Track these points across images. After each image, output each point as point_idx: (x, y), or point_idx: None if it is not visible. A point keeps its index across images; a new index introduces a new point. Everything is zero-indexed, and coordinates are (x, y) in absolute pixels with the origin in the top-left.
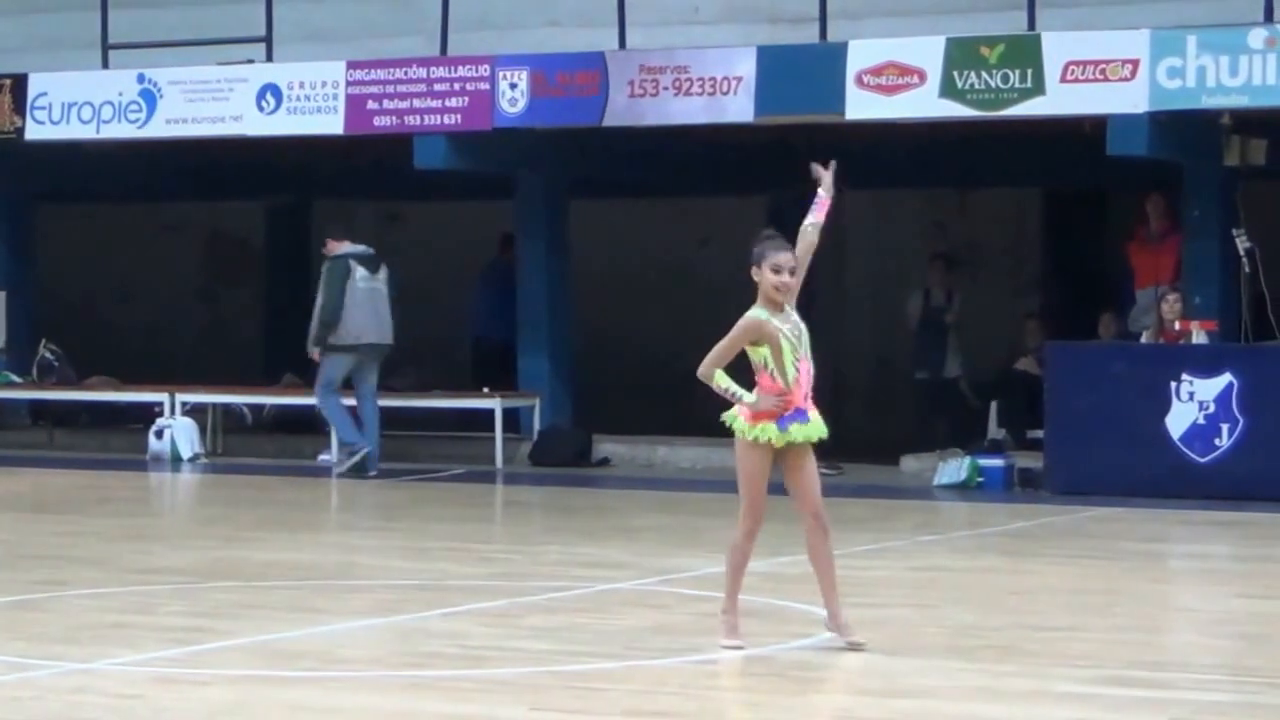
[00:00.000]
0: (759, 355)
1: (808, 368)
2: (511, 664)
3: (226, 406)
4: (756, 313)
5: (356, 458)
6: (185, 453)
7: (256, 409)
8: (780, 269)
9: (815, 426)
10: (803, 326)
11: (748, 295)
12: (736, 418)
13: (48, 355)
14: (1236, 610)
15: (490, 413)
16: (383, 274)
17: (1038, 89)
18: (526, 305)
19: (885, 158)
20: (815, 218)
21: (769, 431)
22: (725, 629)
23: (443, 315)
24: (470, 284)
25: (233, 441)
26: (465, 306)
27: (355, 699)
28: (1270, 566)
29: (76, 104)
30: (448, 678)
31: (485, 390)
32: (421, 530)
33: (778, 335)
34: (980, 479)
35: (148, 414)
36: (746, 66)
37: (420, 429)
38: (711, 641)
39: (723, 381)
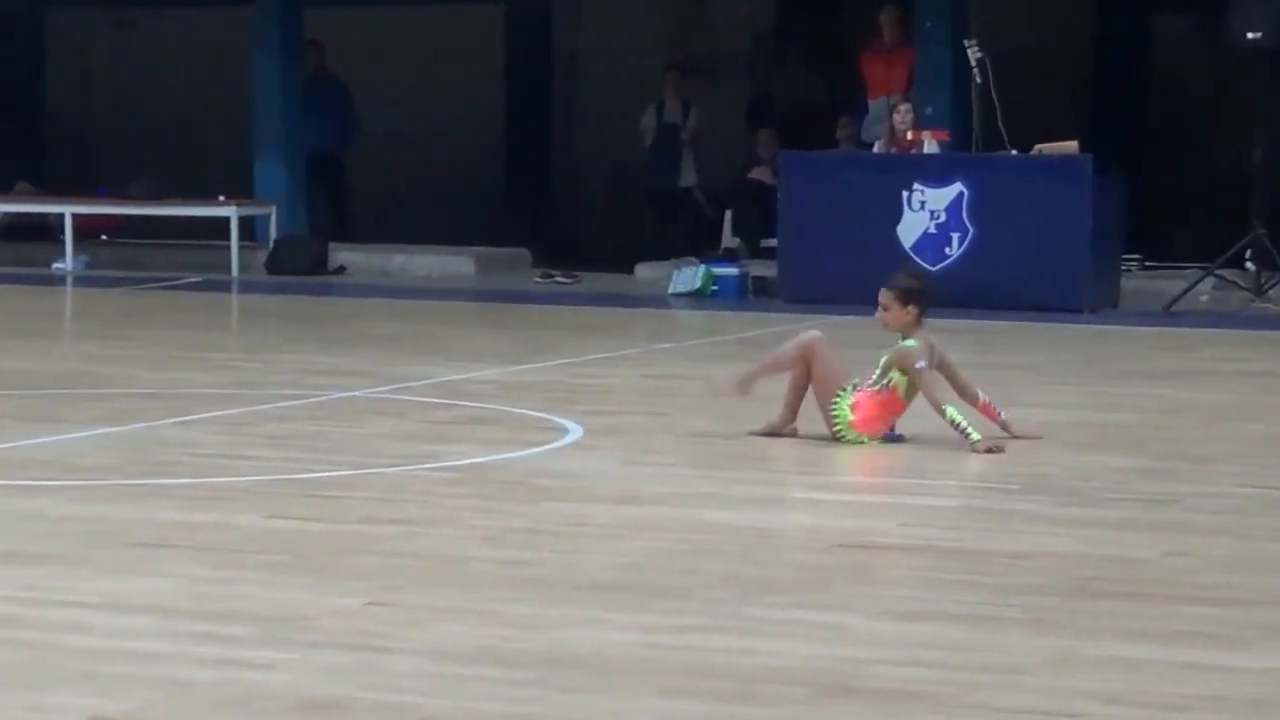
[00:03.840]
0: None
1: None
2: (248, 472)
3: None
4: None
5: None
6: None
7: None
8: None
9: None
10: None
11: (482, 104)
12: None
13: None
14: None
15: (226, 220)
16: None
17: None
18: (262, 113)
19: None
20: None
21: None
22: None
23: (178, 121)
24: (206, 90)
25: None
26: (201, 112)
27: (90, 508)
28: (998, 373)
29: None
30: (183, 486)
31: (221, 198)
32: (157, 338)
33: None
34: (715, 287)
35: None
36: None
37: (156, 237)
38: (446, 449)
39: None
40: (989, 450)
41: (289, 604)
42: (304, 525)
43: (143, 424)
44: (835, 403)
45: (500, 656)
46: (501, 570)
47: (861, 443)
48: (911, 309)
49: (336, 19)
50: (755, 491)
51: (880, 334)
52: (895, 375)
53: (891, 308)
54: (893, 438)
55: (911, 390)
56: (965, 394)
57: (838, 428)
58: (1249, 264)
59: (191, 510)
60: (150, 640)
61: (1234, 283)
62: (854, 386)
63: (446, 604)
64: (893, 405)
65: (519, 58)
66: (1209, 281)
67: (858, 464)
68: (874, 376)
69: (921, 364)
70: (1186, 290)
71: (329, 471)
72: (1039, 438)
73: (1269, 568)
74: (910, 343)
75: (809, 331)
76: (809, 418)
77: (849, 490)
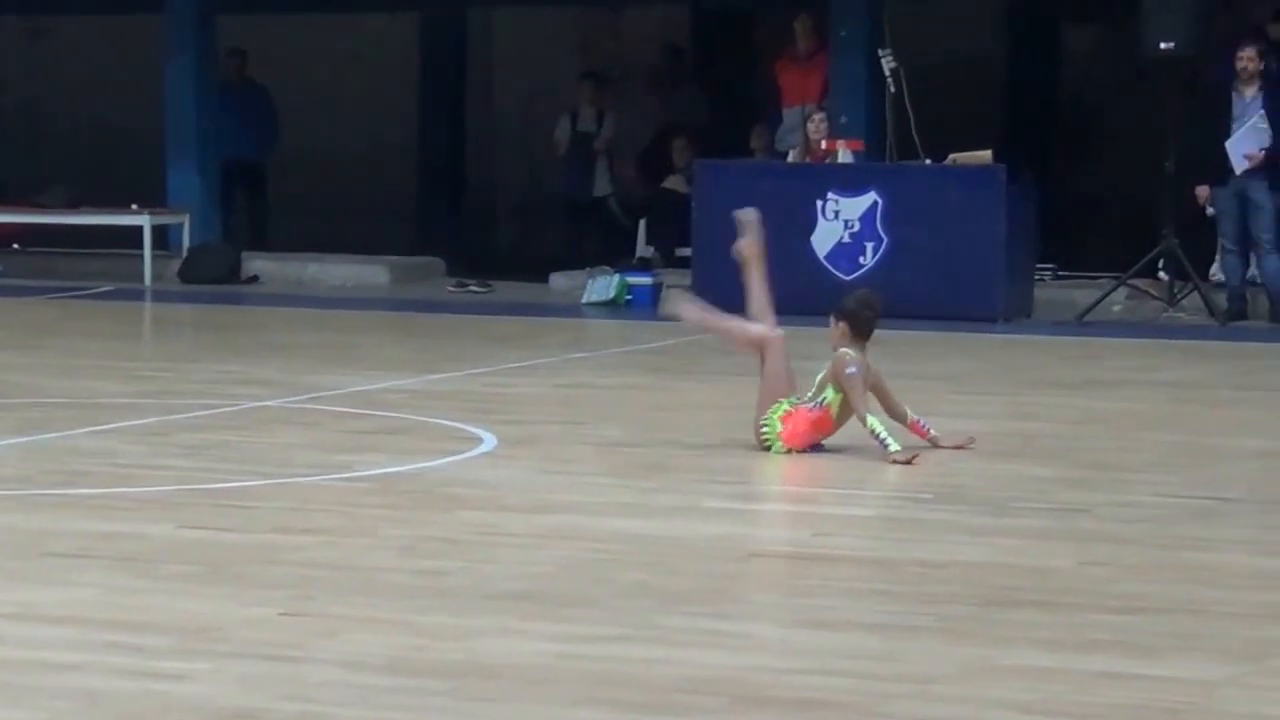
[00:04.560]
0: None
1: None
2: (161, 482)
3: None
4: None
5: None
6: None
7: None
8: None
9: None
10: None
11: (396, 112)
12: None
13: None
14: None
15: (139, 229)
16: None
17: None
18: (174, 121)
19: None
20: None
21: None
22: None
23: (91, 130)
24: (119, 98)
25: None
26: (114, 120)
27: (3, 518)
28: (912, 383)
29: None
30: (96, 496)
31: (133, 207)
32: (70, 348)
33: None
34: (629, 297)
35: None
36: None
37: (68, 246)
38: (359, 459)
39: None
40: (905, 461)
41: (202, 614)
42: (217, 535)
43: (55, 434)
44: (769, 413)
45: (414, 666)
46: (415, 580)
47: (786, 454)
48: (841, 325)
49: (251, 26)
50: (669, 501)
51: (796, 345)
52: (830, 394)
53: (830, 325)
54: (813, 448)
55: (844, 413)
56: (894, 412)
57: (765, 436)
58: (1162, 273)
59: (104, 520)
60: (62, 650)
61: (1147, 292)
62: (792, 403)
63: (360, 614)
64: (824, 425)
65: (433, 66)
66: (1122, 291)
67: (773, 474)
68: (809, 394)
69: (852, 370)
70: (1100, 300)
71: (242, 481)
72: (972, 441)
73: (1184, 576)
74: (847, 350)
75: (776, 329)
76: (733, 426)
77: (764, 500)
